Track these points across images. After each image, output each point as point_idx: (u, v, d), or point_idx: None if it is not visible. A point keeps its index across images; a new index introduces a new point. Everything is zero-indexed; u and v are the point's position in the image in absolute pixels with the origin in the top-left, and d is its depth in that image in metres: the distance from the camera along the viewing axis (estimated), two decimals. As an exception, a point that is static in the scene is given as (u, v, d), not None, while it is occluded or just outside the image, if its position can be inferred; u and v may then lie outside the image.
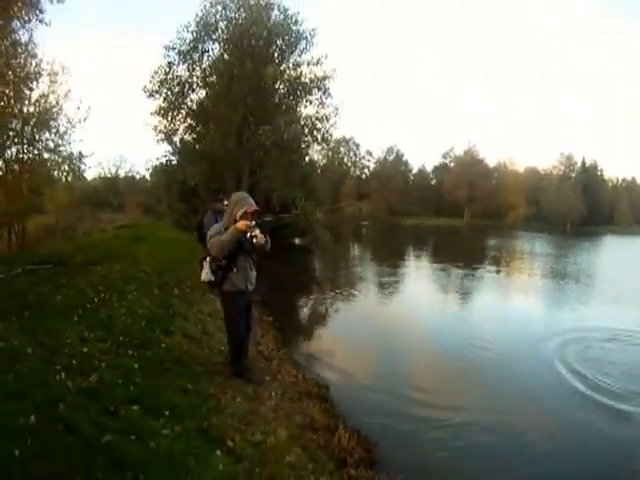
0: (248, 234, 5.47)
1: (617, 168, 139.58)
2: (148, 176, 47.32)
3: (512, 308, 21.51)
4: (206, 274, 5.92)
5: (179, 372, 5.93)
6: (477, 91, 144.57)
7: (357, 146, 65.29)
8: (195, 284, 10.66)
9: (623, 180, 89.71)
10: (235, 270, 5.75)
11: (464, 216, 69.24)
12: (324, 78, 24.45)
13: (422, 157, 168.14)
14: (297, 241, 31.14)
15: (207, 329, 7.97)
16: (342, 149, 63.70)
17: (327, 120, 25.58)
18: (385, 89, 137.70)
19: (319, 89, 24.71)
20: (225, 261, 5.72)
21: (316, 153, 58.30)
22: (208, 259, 5.80)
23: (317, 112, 25.58)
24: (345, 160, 63.49)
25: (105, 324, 6.94)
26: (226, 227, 5.57)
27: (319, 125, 25.85)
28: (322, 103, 25.25)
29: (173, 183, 27.44)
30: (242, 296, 5.89)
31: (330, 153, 61.73)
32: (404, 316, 17.32)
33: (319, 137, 26.20)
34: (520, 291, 26.76)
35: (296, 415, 6.50)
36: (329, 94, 25.15)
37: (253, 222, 5.51)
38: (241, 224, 5.39)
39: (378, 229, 53.61)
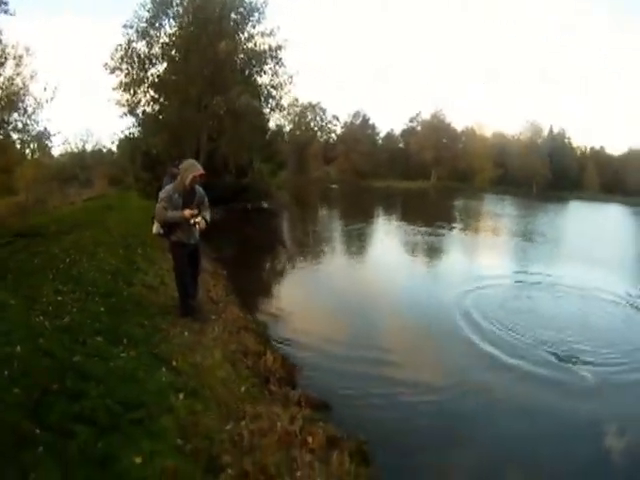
0: (192, 220, 6.56)
1: (586, 138, 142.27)
2: (115, 148, 47.43)
3: (466, 265, 22.87)
4: (156, 228, 7.01)
5: (137, 313, 7.02)
6: (447, 57, 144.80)
7: (323, 111, 65.76)
8: (156, 245, 11.77)
9: (591, 149, 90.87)
10: (180, 229, 6.78)
11: (431, 178, 70.29)
12: (278, 48, 25.54)
13: (391, 122, 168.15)
14: (265, 205, 31.92)
15: (164, 280, 9.08)
16: (309, 114, 64.09)
17: (281, 88, 26.94)
18: (352, 54, 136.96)
19: (272, 59, 25.73)
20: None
21: (282, 119, 59.26)
22: None
23: (271, 80, 26.81)
24: (312, 125, 63.88)
25: (76, 279, 7.95)
26: (177, 190, 6.62)
27: (274, 93, 27.30)
28: (276, 72, 26.34)
29: (137, 154, 28.17)
30: (185, 247, 6.93)
31: (297, 118, 62.56)
32: (356, 272, 18.42)
33: (273, 104, 27.68)
34: (480, 250, 28.45)
35: (232, 344, 7.57)
36: (282, 63, 26.19)
37: (196, 211, 6.60)
38: (187, 213, 6.50)
39: (346, 191, 54.50)
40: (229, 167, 25.68)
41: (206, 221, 6.86)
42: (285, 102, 29.09)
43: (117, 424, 4.26)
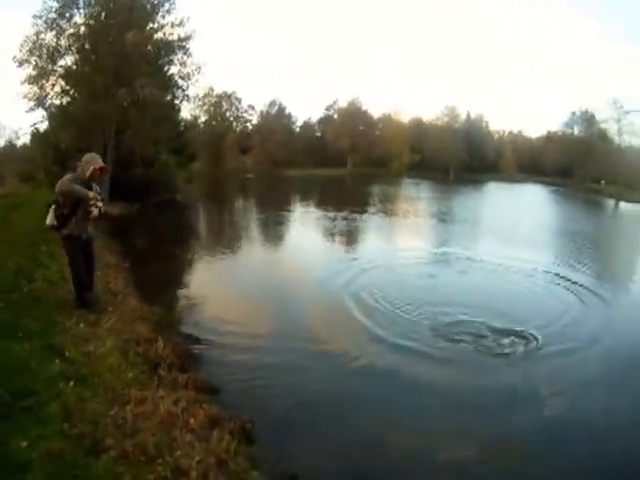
0: (91, 202, 6.78)
1: (504, 122, 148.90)
2: (29, 143, 45.35)
3: (376, 247, 23.46)
4: (50, 219, 7.12)
5: (37, 307, 7.27)
6: (365, 45, 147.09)
7: (239, 100, 64.97)
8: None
9: (510, 132, 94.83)
10: (74, 220, 6.96)
11: (347, 165, 71.35)
12: (186, 38, 25.54)
13: (309, 111, 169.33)
14: (178, 198, 31.68)
15: (65, 276, 9.11)
16: (224, 104, 63.25)
17: (189, 78, 26.91)
18: (270, 44, 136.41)
19: (181, 49, 25.70)
20: (67, 210, 6.93)
21: (197, 109, 58.32)
22: (53, 206, 7.00)
23: (179, 71, 26.76)
24: (228, 115, 63.18)
25: (-22, 276, 8.04)
26: (77, 180, 6.84)
27: (182, 83, 27.36)
28: (184, 63, 26.27)
29: (48, 148, 27.50)
30: (78, 241, 7.16)
31: (212, 109, 61.98)
32: (266, 260, 18.85)
33: (181, 95, 27.96)
34: (393, 232, 29.56)
35: (125, 333, 7.77)
36: (190, 54, 26.17)
37: (100, 197, 6.88)
38: (92, 194, 6.76)
39: (262, 181, 54.51)
40: (135, 160, 25.41)
41: (100, 212, 7.01)
42: (200, 92, 29.13)
43: (8, 413, 4.48)
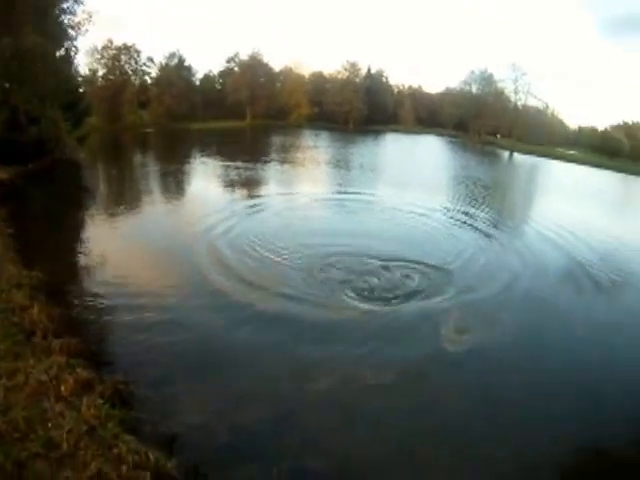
0: None
1: (405, 78, 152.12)
2: None
3: (272, 192, 25.67)
4: None
5: None
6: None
7: (138, 53, 63.49)
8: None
9: (409, 87, 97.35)
10: None
11: (247, 117, 72.17)
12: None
13: (210, 64, 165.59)
14: (71, 157, 29.64)
15: None
16: (123, 57, 61.56)
17: (79, 28, 26.74)
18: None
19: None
20: None
21: (95, 63, 56.89)
22: None
23: (70, 19, 26.44)
24: (127, 68, 61.88)
25: None
26: None
27: (72, 33, 27.07)
28: (73, 11, 26.13)
29: None
30: None
31: (111, 62, 60.41)
32: (159, 212, 20.16)
33: (71, 46, 27.81)
34: (290, 178, 31.42)
35: (1, 302, 8.29)
36: (81, 1, 26.13)
37: None
38: None
39: (162, 135, 54.62)
40: (19, 118, 23.97)
41: None
42: (98, 45, 28.10)
43: None
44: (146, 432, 6.73)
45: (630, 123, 78.06)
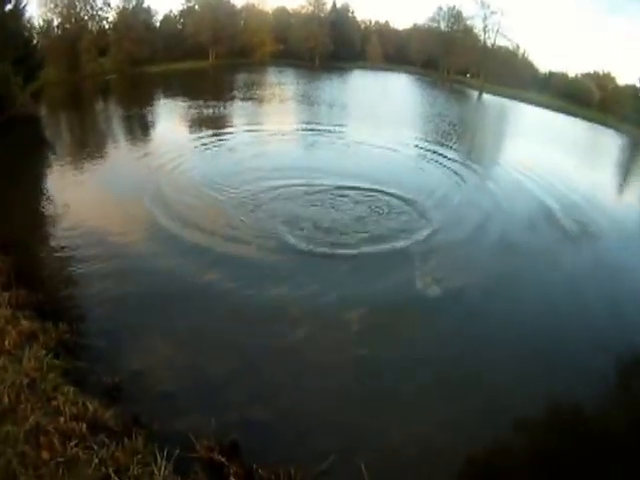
0: None
1: (371, 13, 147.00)
2: None
3: (238, 129, 26.60)
4: None
5: None
6: None
7: None
8: None
9: (376, 22, 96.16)
10: None
11: (209, 57, 71.15)
12: None
13: (170, 3, 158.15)
14: (27, 111, 29.15)
15: None
16: (77, 3, 58.99)
17: None
18: None
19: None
20: None
21: (49, 13, 54.92)
22: None
23: None
24: (82, 15, 59.33)
25: None
26: None
27: None
28: None
29: None
30: None
31: (65, 10, 57.91)
32: (121, 157, 21.14)
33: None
34: (257, 114, 32.34)
35: None
36: None
37: None
38: None
39: (124, 81, 54.06)
40: None
41: None
42: None
43: None
44: (90, 382, 7.00)
45: (601, 73, 77.52)
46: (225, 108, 32.89)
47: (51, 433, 5.48)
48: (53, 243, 11.96)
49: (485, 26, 79.36)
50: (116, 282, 10.26)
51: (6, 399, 5.67)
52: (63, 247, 11.66)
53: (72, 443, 5.40)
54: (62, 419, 5.78)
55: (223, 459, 6.15)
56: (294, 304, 10.12)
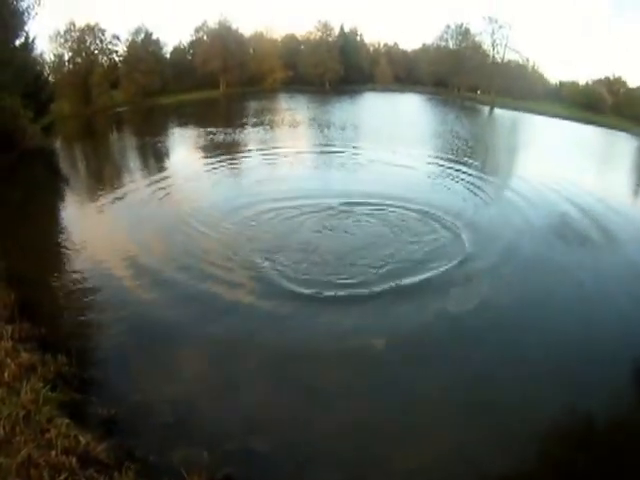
0: None
1: (380, 35, 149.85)
2: None
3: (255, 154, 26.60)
4: None
5: None
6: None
7: (103, 32, 61.14)
8: None
9: (385, 44, 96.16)
10: None
11: (220, 86, 71.32)
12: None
13: (179, 35, 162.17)
14: (44, 145, 29.26)
15: None
16: (87, 38, 59.85)
17: (28, 13, 26.70)
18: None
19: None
20: None
21: (59, 48, 55.64)
22: None
23: (15, 7, 26.05)
24: (92, 49, 59.71)
25: None
26: None
27: (23, 19, 27.04)
28: None
29: None
30: None
31: (76, 45, 58.41)
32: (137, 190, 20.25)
33: (21, 34, 27.79)
34: (276, 138, 32.21)
35: None
36: None
37: None
38: None
39: (135, 112, 54.27)
40: None
41: None
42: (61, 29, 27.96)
43: None
44: (86, 414, 6.89)
45: (611, 78, 76.80)
46: (237, 134, 32.55)
47: (42, 466, 5.47)
48: (61, 277, 11.66)
49: (493, 41, 79.14)
50: (116, 315, 10.03)
51: (2, 431, 5.67)
52: (71, 282, 11.36)
53: (62, 477, 5.38)
54: (53, 452, 5.74)
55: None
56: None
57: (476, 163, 26.81)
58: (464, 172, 23.46)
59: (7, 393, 6.31)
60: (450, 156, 28.02)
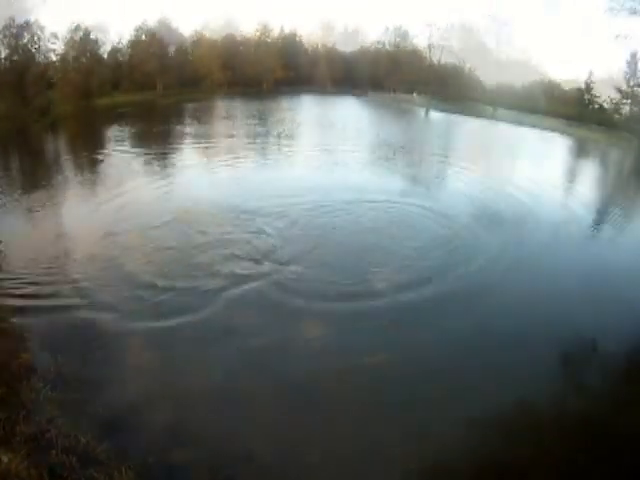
0: None
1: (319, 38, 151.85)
2: None
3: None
4: None
5: None
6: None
7: (41, 29, 60.02)
8: None
9: (323, 46, 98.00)
10: None
11: (157, 88, 71.70)
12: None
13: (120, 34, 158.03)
14: None
15: None
16: (25, 34, 58.56)
17: None
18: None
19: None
20: None
21: None
22: None
23: None
24: (29, 47, 58.77)
25: None
26: None
27: None
28: None
29: None
30: None
31: (13, 41, 57.42)
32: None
33: None
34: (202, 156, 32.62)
35: None
36: None
37: None
38: None
39: (73, 115, 53.96)
40: None
41: None
42: None
43: None
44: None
45: (546, 81, 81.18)
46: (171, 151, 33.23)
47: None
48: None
49: (430, 44, 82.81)
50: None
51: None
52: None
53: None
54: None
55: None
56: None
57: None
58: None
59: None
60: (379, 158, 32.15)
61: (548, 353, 11.02)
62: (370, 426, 8.35)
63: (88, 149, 34.28)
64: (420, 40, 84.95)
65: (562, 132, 59.44)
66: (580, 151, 52.46)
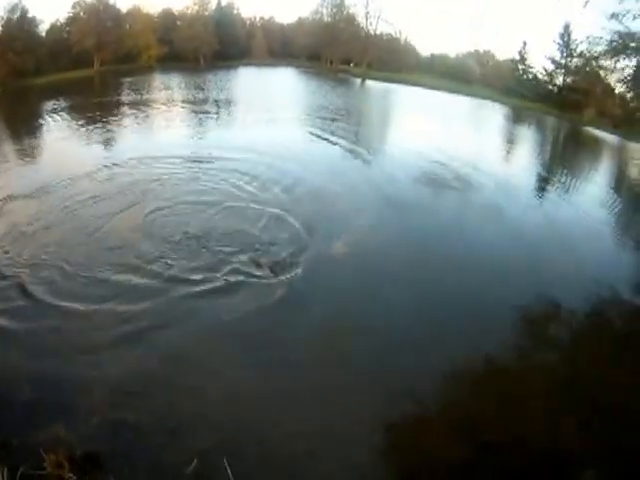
0: None
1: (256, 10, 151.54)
2: None
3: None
4: None
5: None
6: None
7: None
8: None
9: (261, 18, 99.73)
10: None
11: (94, 64, 72.59)
12: None
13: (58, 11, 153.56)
14: None
15: None
16: None
17: None
18: None
19: None
20: None
21: None
22: None
23: None
24: None
25: None
26: None
27: None
28: None
29: None
30: None
31: None
32: None
33: None
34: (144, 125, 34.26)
35: None
36: None
37: None
38: None
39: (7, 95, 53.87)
40: None
41: None
42: None
43: None
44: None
45: (481, 51, 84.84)
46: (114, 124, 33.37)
47: None
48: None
49: (367, 13, 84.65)
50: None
51: None
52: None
53: None
54: None
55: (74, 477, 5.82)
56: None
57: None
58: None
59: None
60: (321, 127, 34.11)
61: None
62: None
63: (20, 121, 36.20)
64: (357, 9, 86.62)
65: (495, 100, 64.15)
66: (516, 117, 58.12)
